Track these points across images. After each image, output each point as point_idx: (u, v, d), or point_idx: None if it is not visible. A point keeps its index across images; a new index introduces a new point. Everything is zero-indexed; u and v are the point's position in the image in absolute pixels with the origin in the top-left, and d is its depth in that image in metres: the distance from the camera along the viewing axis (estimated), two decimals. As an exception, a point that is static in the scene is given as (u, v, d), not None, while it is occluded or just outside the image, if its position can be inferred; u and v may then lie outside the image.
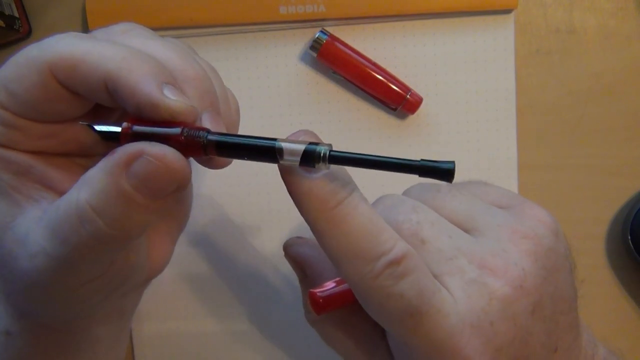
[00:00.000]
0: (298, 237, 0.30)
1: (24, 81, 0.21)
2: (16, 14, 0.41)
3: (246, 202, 0.43)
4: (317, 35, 0.40)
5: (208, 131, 0.21)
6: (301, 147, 0.20)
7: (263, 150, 0.20)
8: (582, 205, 0.43)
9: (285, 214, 0.43)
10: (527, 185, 0.43)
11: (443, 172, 0.20)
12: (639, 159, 0.43)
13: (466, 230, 0.25)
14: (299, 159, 0.20)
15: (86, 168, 0.25)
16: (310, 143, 0.20)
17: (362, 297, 0.23)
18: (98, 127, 0.22)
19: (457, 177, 0.45)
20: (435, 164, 0.20)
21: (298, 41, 0.42)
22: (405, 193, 0.28)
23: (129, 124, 0.21)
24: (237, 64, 0.42)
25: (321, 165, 0.20)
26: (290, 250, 0.29)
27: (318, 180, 0.21)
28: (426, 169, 0.20)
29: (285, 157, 0.20)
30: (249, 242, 0.43)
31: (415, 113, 0.41)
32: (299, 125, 0.42)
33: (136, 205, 0.20)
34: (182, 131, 0.21)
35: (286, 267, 0.43)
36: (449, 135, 0.42)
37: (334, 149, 0.20)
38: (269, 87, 0.42)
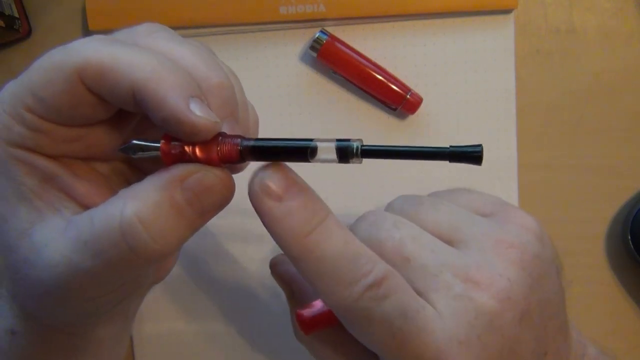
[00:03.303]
0: (284, 254, 0.29)
1: (51, 86, 0.21)
2: (16, 14, 0.41)
3: (245, 203, 0.43)
4: (317, 35, 0.40)
5: (242, 138, 0.22)
6: (334, 145, 0.21)
7: (298, 151, 0.21)
8: (582, 205, 0.43)
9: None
10: (527, 185, 0.43)
11: (472, 156, 0.21)
12: (639, 159, 0.43)
13: (450, 243, 0.25)
14: (334, 156, 0.21)
15: (108, 177, 0.25)
16: (340, 140, 0.21)
17: (344, 320, 0.22)
18: (136, 155, 0.22)
19: (457, 178, 0.45)
20: (464, 149, 0.21)
21: (298, 41, 0.42)
22: (387, 207, 0.28)
23: (166, 143, 0.21)
24: (237, 64, 0.42)
25: (355, 159, 0.21)
26: (276, 269, 0.29)
27: (290, 208, 0.21)
28: (456, 155, 0.21)
29: (319, 155, 0.21)
30: (249, 243, 0.43)
31: (415, 113, 0.41)
32: (299, 125, 0.42)
33: (185, 220, 0.21)
34: (219, 139, 0.21)
35: (286, 267, 0.43)
36: (449, 136, 0.42)
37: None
38: (269, 87, 0.42)
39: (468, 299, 0.22)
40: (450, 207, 0.26)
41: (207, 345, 0.44)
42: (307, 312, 0.25)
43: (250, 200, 0.22)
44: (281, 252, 0.30)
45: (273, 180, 0.22)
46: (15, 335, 0.24)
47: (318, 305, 0.26)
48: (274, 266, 0.29)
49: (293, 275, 0.28)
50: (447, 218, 0.25)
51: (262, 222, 0.22)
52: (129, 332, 0.32)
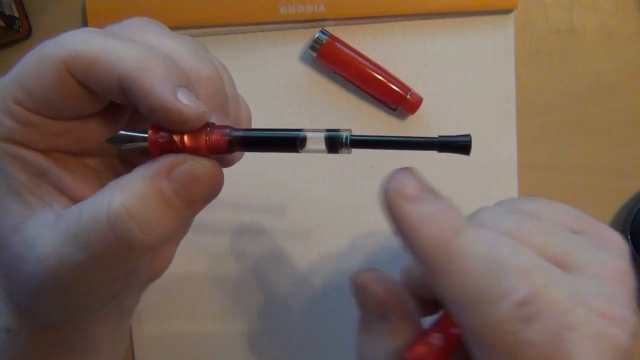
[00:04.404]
0: (372, 269, 0.24)
1: (40, 78, 0.21)
2: (16, 14, 0.41)
3: (246, 202, 0.43)
4: (317, 35, 0.40)
5: (231, 128, 0.22)
6: (324, 135, 0.21)
7: (287, 141, 0.21)
8: (582, 205, 0.42)
9: (285, 214, 0.43)
10: (527, 185, 0.43)
11: (461, 146, 0.21)
12: (639, 159, 0.43)
13: (562, 268, 0.22)
14: (323, 146, 0.21)
15: (99, 172, 0.25)
16: (329, 130, 0.21)
17: (485, 345, 0.19)
18: (123, 146, 0.22)
19: (458, 178, 0.45)
20: (453, 139, 0.21)
21: (298, 41, 0.42)
22: (474, 218, 0.24)
23: (154, 133, 0.21)
24: (237, 64, 0.42)
25: (344, 150, 0.21)
26: (372, 286, 0.24)
27: (429, 210, 0.20)
28: (445, 145, 0.21)
29: (309, 145, 0.21)
30: (249, 242, 0.43)
31: (415, 113, 0.41)
32: (299, 125, 0.42)
33: (172, 211, 0.21)
34: (207, 130, 0.21)
35: (286, 268, 0.43)
36: (449, 135, 0.42)
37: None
38: (269, 87, 0.42)
39: (607, 337, 0.20)
40: (551, 226, 0.23)
41: (207, 345, 0.44)
42: (427, 355, 0.21)
43: (384, 204, 0.20)
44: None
45: (408, 182, 0.20)
46: (10, 333, 0.24)
47: (435, 343, 0.21)
48: (370, 284, 0.24)
49: (395, 297, 0.24)
50: (555, 240, 0.23)
51: (398, 228, 0.20)
52: (127, 331, 0.32)
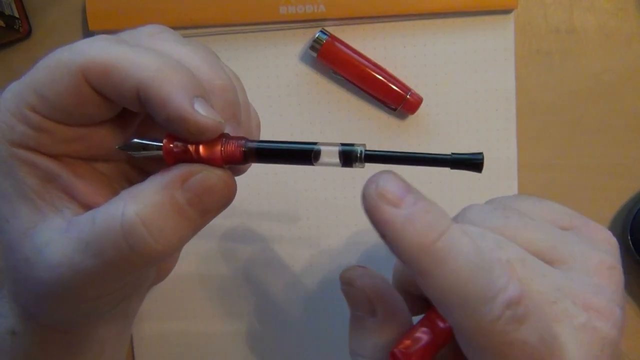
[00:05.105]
0: (360, 266, 0.25)
1: (56, 84, 0.21)
2: (16, 14, 0.41)
3: (247, 202, 0.43)
4: (317, 35, 0.40)
5: (246, 139, 0.22)
6: (338, 149, 0.22)
7: (302, 154, 0.22)
8: (582, 205, 0.43)
9: (284, 214, 0.43)
10: (527, 185, 0.43)
11: (474, 163, 0.21)
12: (639, 159, 0.43)
13: (548, 262, 0.23)
14: (337, 160, 0.22)
15: (109, 177, 0.25)
16: (344, 144, 0.22)
17: (476, 346, 0.19)
18: (137, 154, 0.22)
19: (458, 179, 0.45)
20: (467, 157, 0.21)
21: (298, 41, 0.42)
22: (461, 218, 0.25)
23: (169, 142, 0.21)
24: (237, 64, 0.42)
25: (358, 164, 0.22)
26: (359, 282, 0.24)
27: (411, 213, 0.19)
28: (457, 162, 0.21)
29: (323, 159, 0.22)
30: (250, 243, 0.43)
31: (415, 113, 0.41)
32: (299, 125, 0.42)
33: (186, 220, 0.21)
34: (223, 140, 0.22)
35: (285, 268, 0.43)
36: (449, 136, 0.42)
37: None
38: (269, 87, 0.42)
39: (593, 330, 0.21)
40: (537, 222, 0.24)
41: (207, 345, 0.44)
42: (414, 349, 0.21)
43: (366, 209, 0.20)
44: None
45: (390, 186, 0.19)
46: (16, 335, 0.24)
47: (422, 337, 0.22)
48: (356, 279, 0.24)
49: (381, 291, 0.24)
50: (541, 235, 0.23)
51: (381, 232, 0.20)
52: (129, 332, 0.32)
